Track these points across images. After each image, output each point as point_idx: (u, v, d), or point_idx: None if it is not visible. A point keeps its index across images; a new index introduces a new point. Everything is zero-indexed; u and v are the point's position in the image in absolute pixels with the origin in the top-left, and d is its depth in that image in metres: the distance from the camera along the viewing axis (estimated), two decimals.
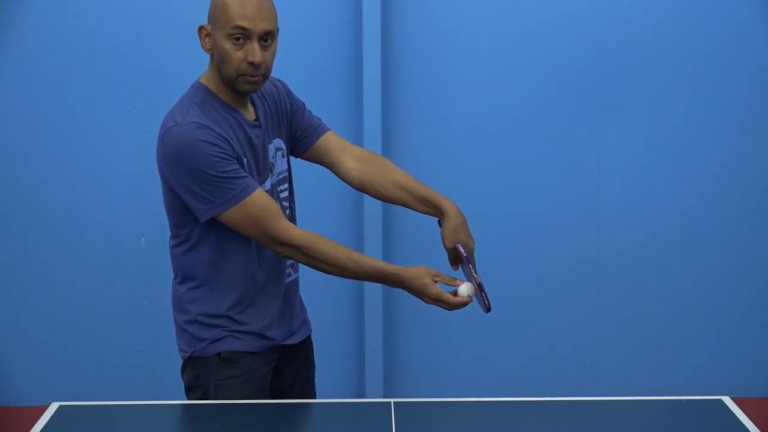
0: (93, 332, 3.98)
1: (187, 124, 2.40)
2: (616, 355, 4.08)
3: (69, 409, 2.42)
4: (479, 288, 2.46)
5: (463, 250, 2.54)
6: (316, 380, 2.85)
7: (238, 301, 2.52)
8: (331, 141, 2.71)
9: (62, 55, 3.82)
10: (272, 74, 2.54)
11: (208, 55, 2.50)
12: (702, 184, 4.00)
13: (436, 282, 2.48)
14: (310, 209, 3.66)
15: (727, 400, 2.42)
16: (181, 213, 2.48)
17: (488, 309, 2.48)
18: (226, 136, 2.42)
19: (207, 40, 2.47)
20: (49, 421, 2.35)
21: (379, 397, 3.92)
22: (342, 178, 2.73)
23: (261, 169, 2.53)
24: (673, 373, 4.09)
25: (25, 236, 3.92)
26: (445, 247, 2.63)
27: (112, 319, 3.97)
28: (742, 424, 2.30)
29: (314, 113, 2.75)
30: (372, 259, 2.53)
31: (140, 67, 3.83)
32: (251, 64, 2.42)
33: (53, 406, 2.41)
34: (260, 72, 2.44)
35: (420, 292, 2.48)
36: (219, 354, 2.52)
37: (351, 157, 2.71)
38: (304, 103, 2.71)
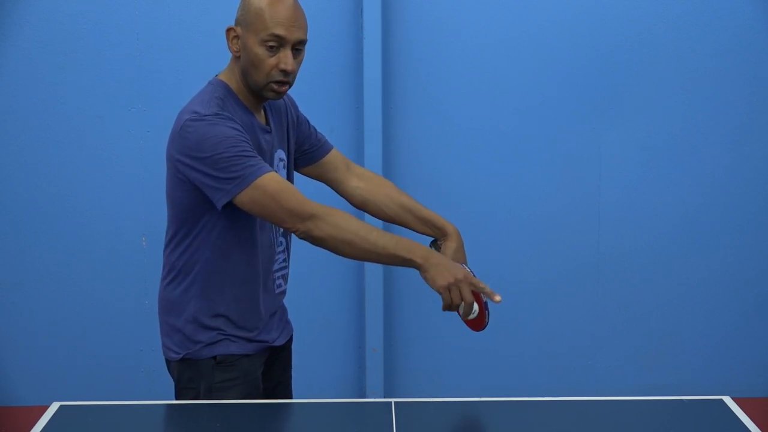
0: (93, 332, 3.98)
1: (210, 115, 2.38)
2: (616, 355, 4.08)
3: (69, 409, 2.41)
4: (485, 305, 2.46)
5: (469, 268, 2.54)
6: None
7: (233, 304, 2.51)
8: (337, 159, 2.76)
9: (62, 55, 3.82)
10: None
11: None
12: (702, 184, 4.00)
13: None
14: None
15: (727, 400, 2.42)
16: (186, 207, 2.46)
17: (484, 326, 2.49)
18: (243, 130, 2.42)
19: (235, 42, 2.45)
20: (49, 421, 2.34)
21: (380, 397, 3.92)
22: (343, 195, 2.78)
23: None
24: (673, 373, 4.09)
25: (25, 236, 3.92)
26: None
27: (112, 319, 3.98)
28: (743, 423, 2.30)
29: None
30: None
31: (140, 67, 3.84)
32: (282, 71, 2.42)
33: (54, 406, 2.41)
34: (288, 80, 2.45)
35: (452, 263, 2.40)
36: (214, 357, 2.51)
37: (355, 176, 2.77)
38: (308, 119, 2.73)
